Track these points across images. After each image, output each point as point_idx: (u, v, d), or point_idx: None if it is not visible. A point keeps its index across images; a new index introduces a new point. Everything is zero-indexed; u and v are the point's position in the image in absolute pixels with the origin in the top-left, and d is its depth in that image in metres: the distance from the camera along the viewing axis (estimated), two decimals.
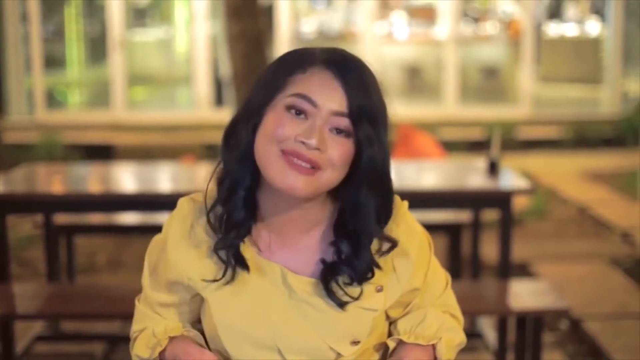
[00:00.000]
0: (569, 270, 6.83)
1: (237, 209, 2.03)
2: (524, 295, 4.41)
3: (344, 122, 1.93)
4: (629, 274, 6.80)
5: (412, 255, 2.10)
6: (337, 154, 1.94)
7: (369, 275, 2.04)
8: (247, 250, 2.07)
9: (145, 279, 2.18)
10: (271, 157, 1.95)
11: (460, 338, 2.22)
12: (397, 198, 2.14)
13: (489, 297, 4.47)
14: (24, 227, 7.57)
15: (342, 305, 2.03)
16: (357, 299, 2.03)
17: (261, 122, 1.98)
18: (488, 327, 5.32)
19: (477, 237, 5.54)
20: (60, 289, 4.85)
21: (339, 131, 1.94)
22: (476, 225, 5.52)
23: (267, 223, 2.08)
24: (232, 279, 2.05)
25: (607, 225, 8.46)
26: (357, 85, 1.95)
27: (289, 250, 2.09)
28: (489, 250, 6.41)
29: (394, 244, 2.04)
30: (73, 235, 5.88)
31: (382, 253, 2.04)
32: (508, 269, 4.74)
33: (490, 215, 6.59)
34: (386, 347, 2.18)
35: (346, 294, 2.03)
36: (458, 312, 2.26)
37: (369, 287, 2.05)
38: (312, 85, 1.94)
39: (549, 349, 5.21)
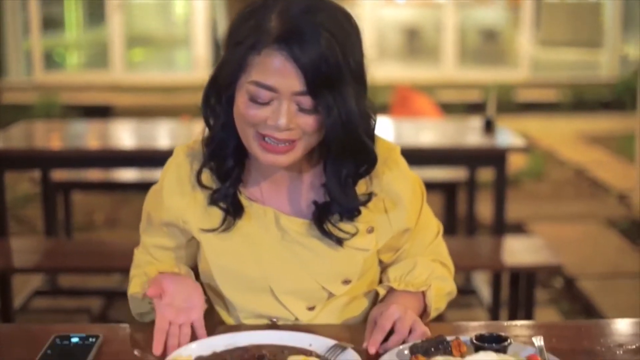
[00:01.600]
0: (564, 231, 6.87)
1: (227, 160, 2.08)
2: (518, 251, 4.44)
3: (306, 100, 1.95)
4: (625, 234, 6.83)
5: (404, 199, 2.13)
6: (307, 126, 1.97)
7: (356, 213, 2.07)
8: (241, 197, 2.11)
9: (143, 226, 2.22)
10: (249, 137, 2.00)
11: (451, 287, 2.25)
12: (389, 144, 2.16)
13: (483, 253, 4.50)
14: (22, 186, 7.60)
15: (340, 241, 2.07)
16: (354, 234, 2.07)
17: (234, 97, 2.01)
18: (482, 284, 5.37)
19: (473, 196, 5.57)
20: (58, 244, 4.89)
21: (303, 108, 1.97)
22: (472, 184, 5.54)
23: (257, 170, 2.12)
24: (227, 229, 2.09)
25: (603, 187, 8.49)
26: (313, 58, 1.92)
27: (280, 194, 2.12)
28: (485, 209, 6.45)
29: (372, 161, 2.07)
30: (71, 192, 5.90)
31: (368, 175, 2.08)
32: (502, 226, 4.77)
33: (486, 175, 6.61)
34: (376, 294, 2.21)
35: (342, 231, 2.07)
36: (449, 261, 2.29)
37: (361, 227, 2.09)
38: (268, 71, 1.93)
39: (543, 307, 5.25)
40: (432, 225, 2.27)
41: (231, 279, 2.10)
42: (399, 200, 2.12)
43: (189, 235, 2.14)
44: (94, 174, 5.89)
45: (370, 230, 2.11)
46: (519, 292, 4.45)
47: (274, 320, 2.12)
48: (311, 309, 2.12)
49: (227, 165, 2.08)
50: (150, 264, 2.17)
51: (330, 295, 2.12)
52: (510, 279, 4.52)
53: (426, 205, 2.23)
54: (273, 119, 1.95)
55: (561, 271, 5.69)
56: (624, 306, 5.27)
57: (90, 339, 1.96)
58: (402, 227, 2.15)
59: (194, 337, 1.94)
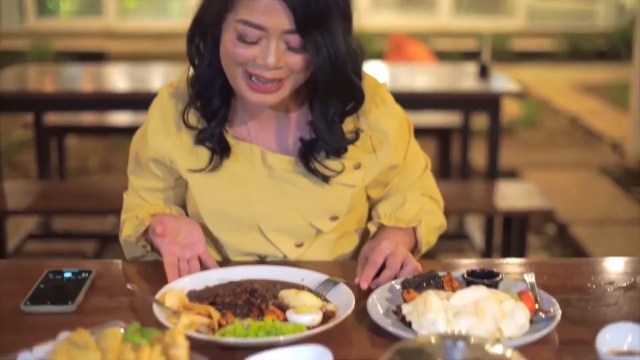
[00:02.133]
0: (557, 178, 6.88)
1: (213, 99, 2.07)
2: (511, 196, 4.45)
3: (295, 39, 1.94)
4: (617, 182, 6.85)
5: (390, 135, 2.13)
6: (296, 65, 1.95)
7: (342, 150, 2.07)
8: (227, 136, 2.11)
9: (130, 169, 2.22)
10: (236, 76, 1.98)
11: (441, 221, 2.25)
12: (375, 80, 2.16)
13: (477, 197, 4.51)
14: (15, 132, 7.58)
15: (326, 179, 2.07)
16: (340, 172, 2.07)
17: (220, 36, 1.99)
18: (475, 229, 5.39)
19: (467, 142, 5.57)
20: (52, 187, 4.88)
21: (291, 47, 1.96)
22: (466, 130, 5.54)
23: (244, 109, 2.11)
24: (215, 168, 2.09)
25: (597, 136, 8.49)
26: None
27: (267, 133, 2.12)
28: (478, 157, 6.45)
29: (359, 100, 2.06)
30: (64, 137, 5.89)
31: (356, 112, 2.07)
32: (496, 172, 4.78)
33: (480, 123, 6.61)
34: (367, 232, 2.22)
35: (327, 168, 2.07)
36: (438, 195, 2.30)
37: (347, 164, 2.09)
38: (256, 9, 1.91)
39: (535, 252, 5.28)
40: (420, 159, 2.26)
41: (219, 218, 2.11)
42: (385, 136, 2.12)
43: (176, 175, 2.13)
44: (87, 118, 5.87)
45: (357, 167, 2.10)
46: (511, 236, 4.47)
47: (263, 257, 2.13)
48: (299, 245, 2.13)
49: (213, 105, 2.07)
50: (141, 206, 2.17)
51: (318, 231, 2.12)
52: (503, 223, 4.54)
53: (413, 140, 2.23)
54: (262, 57, 1.93)
55: (553, 216, 5.71)
56: (615, 252, 5.26)
57: (83, 274, 1.97)
58: (390, 164, 2.14)
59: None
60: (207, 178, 2.09)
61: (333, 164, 2.07)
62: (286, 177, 2.09)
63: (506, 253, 4.52)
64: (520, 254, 4.36)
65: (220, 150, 2.08)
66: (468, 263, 2.15)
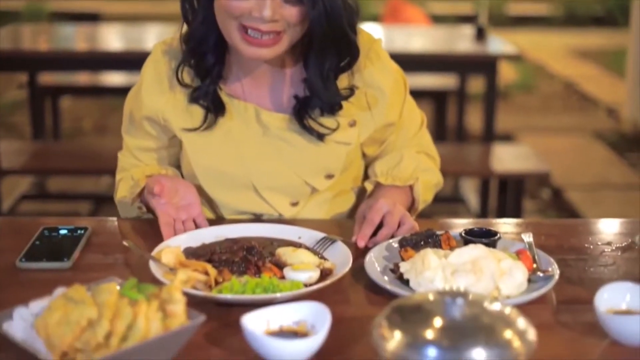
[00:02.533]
0: (552, 142, 6.88)
1: (207, 56, 2.04)
2: (507, 159, 4.45)
3: None
4: (612, 147, 6.85)
5: (386, 91, 2.10)
6: (292, 18, 1.92)
7: (337, 107, 2.05)
8: (221, 94, 2.08)
9: (124, 127, 2.20)
10: (231, 30, 1.95)
11: (437, 178, 2.24)
12: (370, 36, 2.13)
13: (472, 159, 4.50)
14: (9, 93, 7.54)
15: (320, 136, 2.05)
16: (335, 129, 2.05)
17: None
18: (470, 192, 5.39)
19: (463, 106, 5.56)
20: (46, 147, 4.86)
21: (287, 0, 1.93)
22: (462, 93, 5.53)
23: (238, 66, 2.08)
24: (209, 126, 2.07)
25: (592, 101, 8.48)
26: None
27: (261, 90, 2.09)
28: (474, 121, 6.45)
29: (354, 55, 2.04)
30: (58, 98, 5.86)
31: (351, 68, 2.05)
32: (492, 135, 4.77)
33: (476, 87, 6.60)
34: (363, 191, 2.21)
35: (322, 125, 2.05)
36: (434, 152, 2.28)
37: (342, 122, 2.07)
38: None
39: (530, 216, 5.28)
40: (416, 116, 2.24)
41: (214, 177, 2.09)
42: (381, 93, 2.10)
43: (170, 134, 2.11)
44: (82, 78, 5.84)
45: (352, 124, 2.08)
46: (506, 199, 4.47)
47: (258, 215, 2.12)
48: (294, 204, 2.11)
49: (207, 62, 2.04)
50: (136, 166, 2.16)
51: (314, 190, 2.11)
52: (498, 186, 4.54)
53: (409, 97, 2.20)
54: (257, 10, 1.91)
55: (548, 181, 5.71)
56: (609, 217, 5.28)
57: (79, 231, 1.96)
58: (385, 121, 2.12)
59: None
60: (201, 137, 2.07)
61: (328, 121, 2.05)
62: (281, 135, 2.07)
63: (501, 216, 4.52)
64: (515, 217, 4.35)
65: (215, 108, 2.06)
66: (465, 223, 2.15)
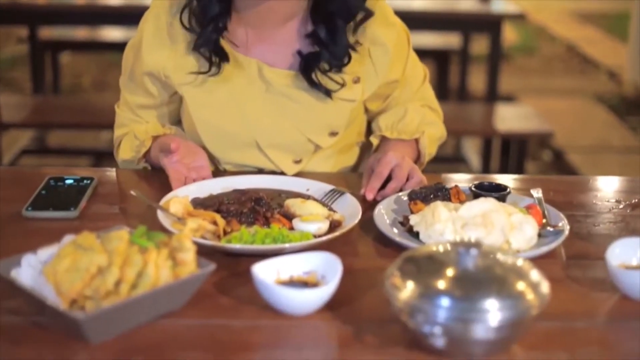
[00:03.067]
0: (554, 104, 6.85)
1: (212, 3, 2.00)
2: (510, 118, 4.43)
3: None
4: (613, 110, 6.83)
5: (389, 46, 2.07)
6: None
7: (346, 60, 2.02)
8: (224, 46, 2.04)
9: (123, 82, 2.15)
10: None
11: (441, 131, 2.23)
12: None
13: (475, 119, 4.48)
14: (9, 48, 7.49)
15: (328, 92, 2.02)
16: (343, 85, 2.03)
17: None
18: (472, 152, 5.37)
19: (466, 66, 5.52)
20: (47, 101, 4.84)
21: None
22: (465, 53, 5.49)
23: (243, 16, 2.04)
24: (214, 74, 2.02)
25: (593, 64, 8.45)
26: None
27: (265, 45, 2.06)
28: (476, 82, 6.41)
29: (368, 13, 2.02)
30: (58, 53, 5.82)
31: (357, 25, 2.03)
32: (495, 95, 4.75)
33: (479, 47, 6.56)
34: (367, 145, 2.19)
35: (331, 79, 2.02)
36: (437, 105, 2.26)
37: (347, 78, 2.04)
38: None
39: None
40: (419, 70, 2.22)
41: (215, 133, 2.06)
42: (384, 49, 2.06)
43: (171, 90, 2.08)
44: (81, 33, 5.80)
45: (357, 81, 2.06)
46: (509, 160, 4.45)
47: (262, 170, 2.10)
48: (297, 162, 2.09)
49: (212, 11, 1.99)
50: (137, 122, 2.13)
51: (317, 147, 2.09)
52: (501, 146, 4.52)
53: (412, 52, 2.18)
54: None
55: (549, 142, 5.70)
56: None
57: (85, 181, 1.94)
58: (389, 78, 2.10)
59: None
60: (203, 92, 2.04)
61: (334, 77, 2.02)
62: (284, 92, 2.04)
63: None
64: None
65: (217, 56, 2.02)
66: (473, 177, 2.14)
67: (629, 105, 7.00)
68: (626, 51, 7.90)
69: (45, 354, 1.28)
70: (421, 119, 2.14)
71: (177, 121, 2.17)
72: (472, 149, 5.44)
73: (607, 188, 2.12)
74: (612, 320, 1.45)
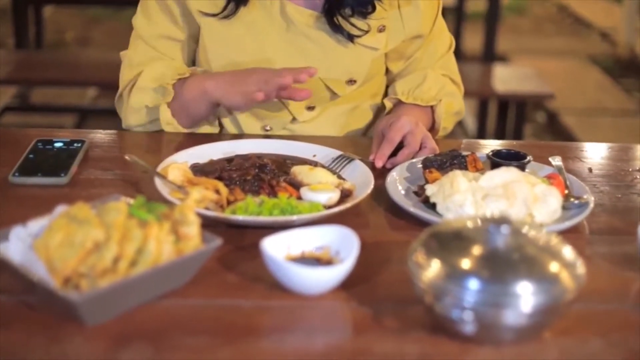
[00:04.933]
0: (547, 65, 6.73)
1: None
2: (508, 79, 4.31)
3: None
4: (607, 72, 6.73)
5: (419, 1, 1.97)
6: None
7: (370, 9, 1.92)
8: None
9: (139, 22, 1.98)
10: None
11: (459, 105, 2.11)
12: None
13: (473, 79, 4.34)
14: None
15: (350, 37, 1.92)
16: (366, 31, 1.92)
17: None
18: (468, 114, 5.25)
19: (460, 24, 5.41)
20: (30, 57, 4.69)
21: None
22: (460, 11, 5.38)
23: None
24: (230, 13, 1.91)
25: (585, 24, 8.34)
26: None
27: None
28: (471, 42, 6.29)
29: None
30: (41, 7, 5.66)
31: None
32: (492, 54, 4.63)
33: (472, 5, 6.44)
34: (381, 110, 2.08)
35: (354, 26, 1.92)
36: (459, 78, 2.15)
37: (372, 25, 1.93)
38: None
39: (526, 140, 5.17)
40: (445, 37, 2.11)
41: (230, 68, 1.93)
42: (414, 1, 1.97)
43: (192, 21, 1.95)
44: None
45: (382, 29, 1.95)
46: (506, 121, 4.35)
47: (267, 128, 1.99)
48: (311, 108, 1.98)
49: None
50: (159, 59, 1.97)
51: (333, 96, 1.98)
52: (498, 107, 4.41)
53: (441, 17, 2.08)
54: None
55: (543, 104, 5.60)
56: (604, 141, 5.19)
57: (75, 144, 1.82)
58: (415, 32, 2.00)
59: None
60: (222, 26, 1.93)
61: (358, 23, 1.92)
62: (306, 32, 1.93)
63: (500, 139, 4.39)
64: (515, 140, 4.24)
65: None
66: (486, 144, 2.03)
67: (623, 67, 6.91)
68: (620, 12, 7.79)
69: (36, 336, 1.17)
70: (440, 87, 2.03)
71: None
72: (467, 111, 5.32)
73: (629, 157, 2.01)
74: None
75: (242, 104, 1.85)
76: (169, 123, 1.92)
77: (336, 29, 1.91)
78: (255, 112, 1.98)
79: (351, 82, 1.97)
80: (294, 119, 1.98)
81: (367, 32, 1.93)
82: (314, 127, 2.00)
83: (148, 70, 1.94)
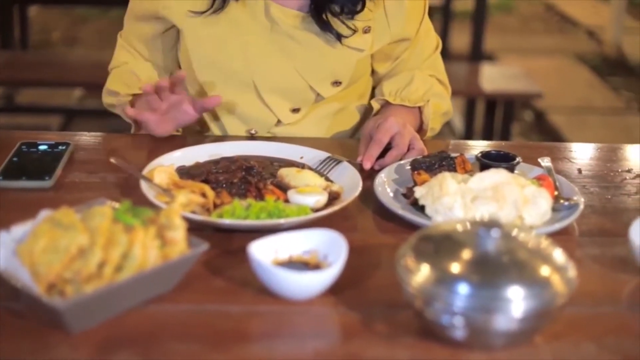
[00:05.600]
0: (534, 64, 6.73)
1: None
2: (495, 78, 4.31)
3: None
4: (594, 70, 6.74)
5: (405, 3, 1.96)
6: None
7: (359, 7, 1.91)
8: None
9: (128, 16, 2.03)
10: None
11: (447, 106, 2.09)
12: None
13: (460, 78, 4.33)
14: None
15: (339, 36, 1.90)
16: (354, 31, 1.91)
17: None
18: (455, 113, 5.22)
19: (448, 23, 5.39)
20: (16, 57, 4.66)
21: None
22: (447, 10, 5.37)
23: None
24: (217, 9, 1.90)
25: (572, 23, 8.34)
26: None
27: None
28: (458, 41, 6.28)
29: None
30: (27, 6, 5.63)
31: None
32: (480, 53, 4.62)
33: (462, 4, 6.44)
34: (368, 111, 2.06)
35: (343, 24, 1.90)
36: (446, 79, 2.13)
37: (358, 26, 1.92)
38: None
39: (514, 139, 5.16)
40: (432, 38, 2.09)
41: (212, 70, 1.93)
42: (400, 3, 1.95)
43: (168, 24, 1.96)
44: None
45: (367, 31, 1.94)
46: (494, 121, 4.34)
47: (252, 132, 1.97)
48: (295, 110, 1.97)
49: None
50: (136, 60, 2.04)
51: (318, 97, 1.97)
52: (486, 106, 4.40)
53: (427, 18, 2.06)
54: None
55: (531, 103, 5.60)
56: (592, 140, 5.19)
57: (60, 147, 1.80)
58: (401, 34, 1.98)
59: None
60: (205, 25, 1.91)
61: (346, 22, 1.91)
62: (290, 33, 1.92)
63: (488, 138, 4.39)
64: (503, 139, 4.24)
65: None
66: (474, 145, 2.02)
67: (610, 65, 6.91)
68: (607, 10, 7.79)
69: (21, 344, 1.15)
70: (428, 88, 2.01)
71: (171, 58, 2.06)
72: (454, 110, 5.30)
73: (618, 157, 1.99)
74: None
75: (168, 127, 1.87)
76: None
77: (325, 27, 1.90)
78: (240, 115, 1.97)
79: (336, 83, 1.96)
80: (278, 122, 1.97)
81: (354, 31, 1.91)
82: (299, 130, 1.99)
83: (121, 70, 2.01)
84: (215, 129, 2.00)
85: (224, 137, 1.96)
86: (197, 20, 1.91)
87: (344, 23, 1.90)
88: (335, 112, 2.02)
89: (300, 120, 1.98)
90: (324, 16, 1.89)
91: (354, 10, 1.90)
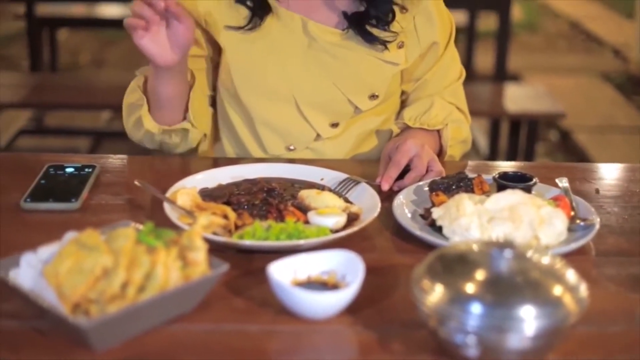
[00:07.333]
0: (559, 83, 6.74)
1: None
2: (519, 98, 4.32)
3: None
4: (619, 89, 6.73)
5: (435, 19, 2.03)
6: None
7: (390, 17, 1.97)
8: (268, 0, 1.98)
9: None
10: None
11: (466, 133, 2.12)
12: None
13: (484, 99, 4.36)
14: (5, 25, 7.37)
15: (384, 43, 1.97)
16: (393, 41, 1.98)
17: None
18: (479, 133, 5.26)
19: (472, 44, 5.41)
20: (45, 80, 4.72)
21: None
22: (471, 30, 5.38)
23: None
24: (255, 26, 1.96)
25: (598, 41, 8.33)
26: None
27: (309, 2, 1.99)
28: (483, 61, 6.30)
29: None
30: (56, 30, 5.71)
31: None
32: (504, 73, 4.64)
33: (484, 24, 6.46)
34: (389, 135, 2.10)
35: (385, 30, 1.97)
36: (466, 109, 2.16)
37: (391, 43, 1.99)
38: None
39: (538, 159, 5.17)
40: (456, 66, 2.13)
41: (253, 86, 1.99)
42: (429, 15, 2.02)
43: (213, 43, 2.00)
44: (79, 10, 5.69)
45: (401, 45, 2.01)
46: (518, 141, 4.35)
47: (291, 148, 2.02)
48: (334, 125, 2.02)
49: None
50: None
51: (356, 111, 2.02)
52: (510, 126, 4.41)
53: (453, 45, 2.11)
54: None
55: (556, 122, 5.60)
56: (617, 159, 5.19)
57: (86, 169, 1.84)
58: (430, 40, 2.04)
59: None
60: (244, 41, 1.97)
61: (382, 34, 1.99)
62: (327, 49, 1.98)
63: (512, 158, 4.40)
64: (527, 159, 4.25)
65: (260, 9, 1.97)
66: (494, 165, 2.04)
67: (636, 83, 6.90)
68: (633, 29, 7.79)
69: None
70: (447, 114, 2.06)
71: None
72: (479, 130, 5.33)
73: (636, 177, 2.01)
74: None
75: (172, 54, 1.81)
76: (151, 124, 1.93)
77: (370, 39, 1.97)
78: (278, 130, 2.02)
79: (373, 97, 2.02)
80: (317, 136, 2.01)
81: (392, 41, 1.98)
82: (338, 145, 2.04)
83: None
84: (253, 147, 2.05)
85: (245, 159, 2.00)
86: (236, 36, 1.96)
87: (386, 29, 1.98)
88: (373, 127, 2.07)
89: (339, 135, 2.03)
90: (367, 28, 1.96)
91: (386, 20, 1.97)
